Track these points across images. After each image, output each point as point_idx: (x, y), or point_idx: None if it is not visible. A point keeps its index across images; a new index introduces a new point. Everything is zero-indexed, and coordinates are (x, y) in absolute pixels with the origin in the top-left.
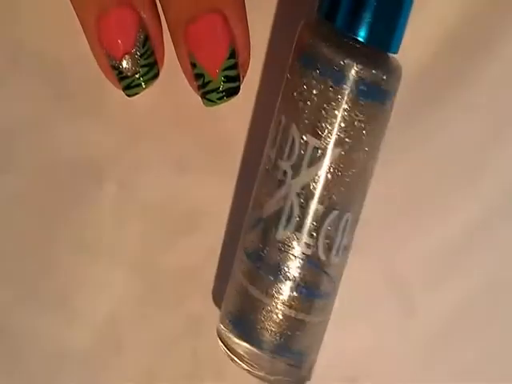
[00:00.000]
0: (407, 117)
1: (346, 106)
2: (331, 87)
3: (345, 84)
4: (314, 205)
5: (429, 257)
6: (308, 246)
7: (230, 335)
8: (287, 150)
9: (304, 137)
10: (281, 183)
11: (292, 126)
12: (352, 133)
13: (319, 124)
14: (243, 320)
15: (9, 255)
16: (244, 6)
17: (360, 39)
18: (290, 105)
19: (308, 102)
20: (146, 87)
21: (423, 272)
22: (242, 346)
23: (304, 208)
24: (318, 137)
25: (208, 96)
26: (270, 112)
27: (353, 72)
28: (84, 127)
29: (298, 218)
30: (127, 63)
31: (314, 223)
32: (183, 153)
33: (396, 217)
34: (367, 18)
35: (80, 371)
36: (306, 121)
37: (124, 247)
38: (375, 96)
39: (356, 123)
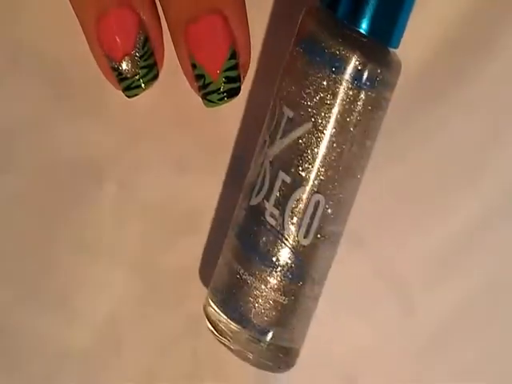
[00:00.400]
0: (407, 115)
1: (342, 97)
2: (329, 77)
3: (343, 75)
4: (281, 175)
5: (428, 256)
6: (273, 216)
7: (217, 314)
8: (268, 119)
9: (283, 109)
10: (260, 152)
11: (276, 98)
12: (342, 123)
13: (302, 101)
14: (229, 299)
15: (9, 255)
16: (244, 6)
17: (361, 31)
18: (286, 88)
19: (302, 88)
20: (145, 88)
21: (423, 272)
22: (228, 324)
23: (273, 177)
24: (295, 110)
25: (209, 97)
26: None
27: (352, 63)
28: (84, 127)
29: (267, 186)
30: (127, 65)
31: (280, 193)
32: (183, 153)
33: (396, 216)
34: (369, 10)
35: (80, 371)
36: (285, 94)
37: (124, 247)
38: (372, 88)
39: (351, 114)
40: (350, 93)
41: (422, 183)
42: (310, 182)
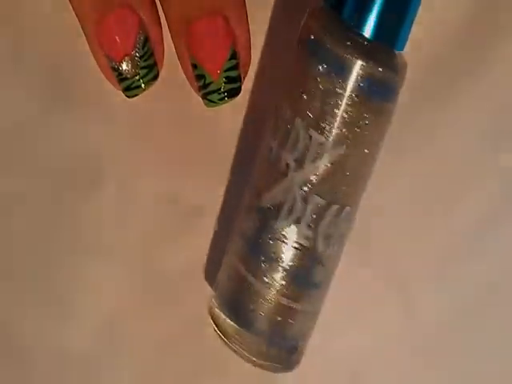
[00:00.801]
0: (410, 116)
1: (349, 102)
2: (335, 81)
3: (348, 79)
4: (315, 199)
5: (429, 257)
6: (307, 238)
7: (223, 317)
8: (290, 142)
9: (309, 132)
10: (283, 175)
11: (296, 120)
12: (355, 129)
13: (323, 118)
14: (236, 303)
15: (9, 255)
16: (245, 6)
17: (366, 35)
18: (293, 96)
19: (311, 95)
20: (145, 89)
21: (424, 272)
22: (233, 327)
23: (305, 201)
24: (322, 132)
25: (209, 97)
26: (271, 112)
27: (357, 67)
28: (84, 127)
29: (298, 211)
30: (127, 65)
31: (314, 216)
32: (183, 153)
33: (396, 217)
34: (374, 12)
35: (80, 371)
36: (310, 114)
37: (124, 247)
38: (379, 93)
39: (359, 120)
40: (365, 99)
41: (422, 183)
42: (342, 200)
